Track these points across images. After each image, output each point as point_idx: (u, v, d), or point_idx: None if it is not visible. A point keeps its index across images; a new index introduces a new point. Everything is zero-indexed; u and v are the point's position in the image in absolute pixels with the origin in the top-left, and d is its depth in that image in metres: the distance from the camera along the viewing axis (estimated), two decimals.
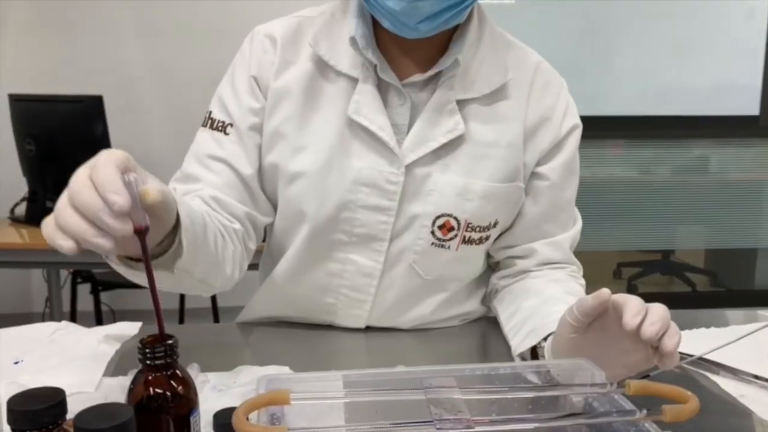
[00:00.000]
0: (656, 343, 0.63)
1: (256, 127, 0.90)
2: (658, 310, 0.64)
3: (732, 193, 3.51)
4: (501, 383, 0.64)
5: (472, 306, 1.01)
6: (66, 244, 0.55)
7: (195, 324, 2.91)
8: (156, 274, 0.66)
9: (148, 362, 0.54)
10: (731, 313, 1.13)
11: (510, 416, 0.55)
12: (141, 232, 0.56)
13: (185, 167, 0.92)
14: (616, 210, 3.36)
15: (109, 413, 0.43)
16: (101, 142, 2.28)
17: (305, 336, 0.95)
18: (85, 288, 2.92)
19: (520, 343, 0.83)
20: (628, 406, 0.57)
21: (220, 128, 0.90)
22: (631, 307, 0.63)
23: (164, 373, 0.55)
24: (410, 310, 0.95)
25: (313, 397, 0.58)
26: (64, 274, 2.83)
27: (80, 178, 0.55)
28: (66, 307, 2.81)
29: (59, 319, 2.76)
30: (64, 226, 0.55)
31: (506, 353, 0.87)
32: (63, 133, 2.32)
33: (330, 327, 0.97)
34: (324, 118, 0.88)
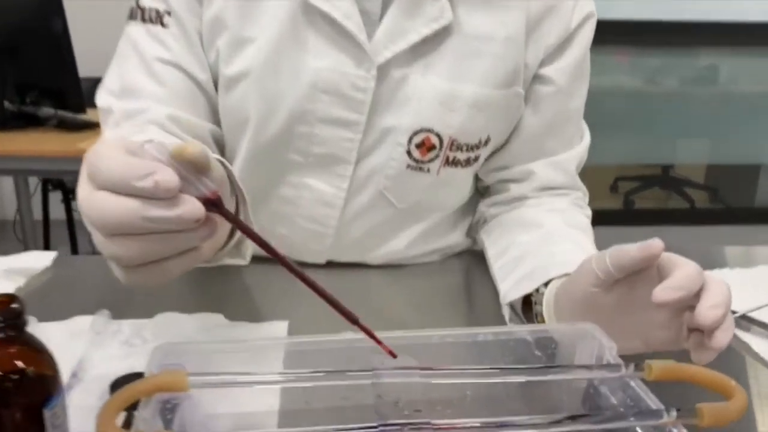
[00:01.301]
0: (708, 330, 0.47)
1: (199, 13, 0.70)
2: (722, 290, 0.48)
3: (740, 106, 3.34)
4: (480, 356, 0.49)
5: (455, 239, 0.85)
6: (134, 279, 0.45)
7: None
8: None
9: None
10: (727, 234, 0.96)
11: (485, 420, 0.39)
12: (212, 202, 0.41)
13: (122, 76, 0.71)
14: (617, 122, 3.15)
15: None
16: (61, 40, 2.12)
17: (252, 272, 0.79)
18: (56, 196, 2.77)
19: (511, 288, 0.67)
20: (650, 400, 0.42)
21: (153, 19, 0.70)
22: (682, 276, 0.48)
23: (5, 350, 0.39)
24: (381, 245, 0.80)
25: (221, 382, 0.42)
26: (35, 181, 2.70)
27: (96, 199, 0.40)
28: (37, 215, 2.67)
29: (32, 228, 2.64)
30: (104, 213, 0.40)
31: (494, 296, 0.72)
32: (18, 29, 2.16)
33: None
34: (273, 3, 0.69)
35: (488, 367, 0.44)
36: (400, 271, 0.82)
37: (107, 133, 0.69)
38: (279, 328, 0.65)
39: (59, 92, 2.17)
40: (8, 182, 2.92)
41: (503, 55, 0.71)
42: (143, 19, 0.71)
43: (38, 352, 0.41)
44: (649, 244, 0.50)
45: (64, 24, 2.11)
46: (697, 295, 0.48)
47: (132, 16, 0.72)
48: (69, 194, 2.73)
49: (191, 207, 0.39)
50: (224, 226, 0.52)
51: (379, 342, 0.41)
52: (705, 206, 3.74)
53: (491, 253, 0.77)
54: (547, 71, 0.74)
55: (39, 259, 0.77)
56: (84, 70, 2.20)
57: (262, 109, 0.70)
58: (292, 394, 0.50)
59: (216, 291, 0.74)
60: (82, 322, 0.64)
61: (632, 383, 0.44)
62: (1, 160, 2.00)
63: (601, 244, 0.83)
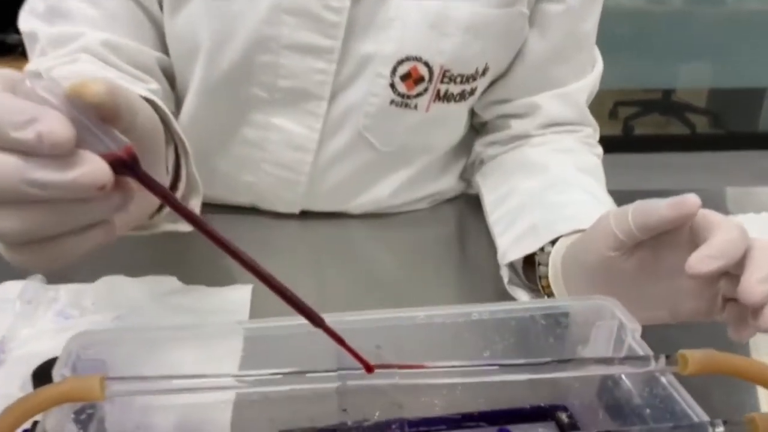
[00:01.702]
0: (756, 307, 0.38)
1: None
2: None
3: (747, 26, 3.20)
4: (471, 345, 0.40)
5: (447, 183, 0.75)
6: (23, 258, 0.32)
7: None
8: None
9: None
10: (729, 160, 0.87)
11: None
12: (124, 162, 0.30)
13: None
14: (617, 44, 3.00)
15: None
16: None
17: (215, 222, 0.69)
18: None
19: (510, 246, 0.58)
20: (686, 402, 0.34)
21: None
22: (724, 240, 0.39)
23: None
24: (360, 193, 0.70)
25: (151, 390, 0.33)
26: None
27: None
28: None
29: None
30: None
31: (490, 248, 0.63)
32: None
33: (253, 211, 0.71)
34: None
35: (485, 363, 0.35)
36: (384, 221, 0.72)
37: (32, 65, 0.58)
38: (242, 293, 0.56)
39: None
40: None
41: None
42: None
43: None
44: (683, 200, 0.41)
45: None
46: (740, 263, 0.39)
47: None
48: None
49: (92, 169, 0.28)
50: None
51: (351, 351, 0.32)
52: (706, 131, 3.67)
53: (488, 201, 0.68)
54: None
55: None
56: None
57: (214, 35, 0.58)
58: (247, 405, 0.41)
59: (169, 249, 0.64)
60: (10, 289, 0.55)
61: (664, 380, 0.36)
62: None
63: None
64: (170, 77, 0.64)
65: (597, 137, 0.73)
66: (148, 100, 0.42)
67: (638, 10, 3.13)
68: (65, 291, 0.55)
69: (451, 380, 0.36)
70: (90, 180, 0.28)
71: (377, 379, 0.34)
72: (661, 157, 3.31)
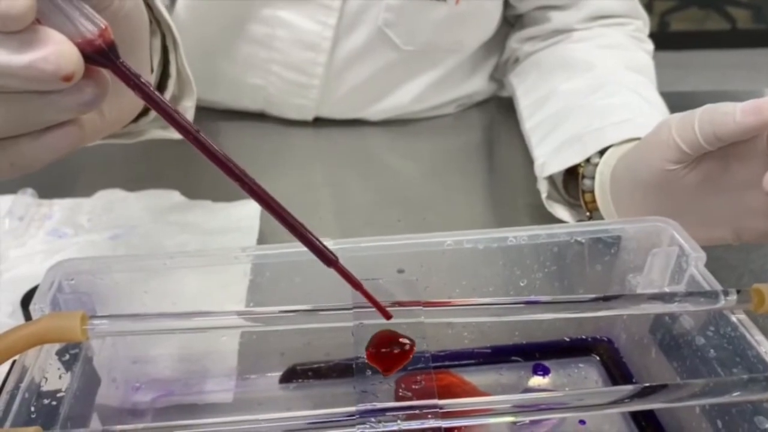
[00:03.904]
0: None
1: None
2: None
3: None
4: (506, 272, 0.35)
5: (476, 86, 0.68)
6: None
7: None
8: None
9: None
10: None
11: (510, 404, 0.26)
12: (98, 48, 0.23)
13: None
14: None
15: None
16: None
17: (222, 131, 0.64)
18: None
19: (551, 155, 0.51)
20: (764, 347, 0.29)
21: None
22: None
23: None
24: (381, 98, 0.64)
25: (140, 330, 0.29)
26: None
27: None
28: None
29: None
30: None
31: (525, 157, 0.57)
32: None
33: (263, 117, 0.65)
34: None
35: (517, 301, 0.30)
36: (406, 128, 0.66)
37: None
38: (250, 210, 0.51)
39: None
40: None
41: None
42: None
43: None
44: (761, 105, 0.34)
45: None
46: None
47: None
48: None
49: (56, 52, 0.21)
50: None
51: (368, 296, 0.27)
52: (748, 27, 3.46)
53: (524, 104, 0.61)
54: None
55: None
56: None
57: None
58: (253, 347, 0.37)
59: (171, 159, 0.59)
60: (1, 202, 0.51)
61: (734, 318, 0.31)
62: None
63: None
64: None
65: (647, 31, 0.65)
66: None
67: None
68: (59, 206, 0.51)
69: (482, 319, 0.31)
70: (53, 66, 0.22)
71: (398, 319, 0.30)
72: (699, 54, 3.16)
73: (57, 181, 0.54)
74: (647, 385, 0.27)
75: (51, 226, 0.49)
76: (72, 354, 0.31)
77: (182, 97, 0.43)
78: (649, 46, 0.63)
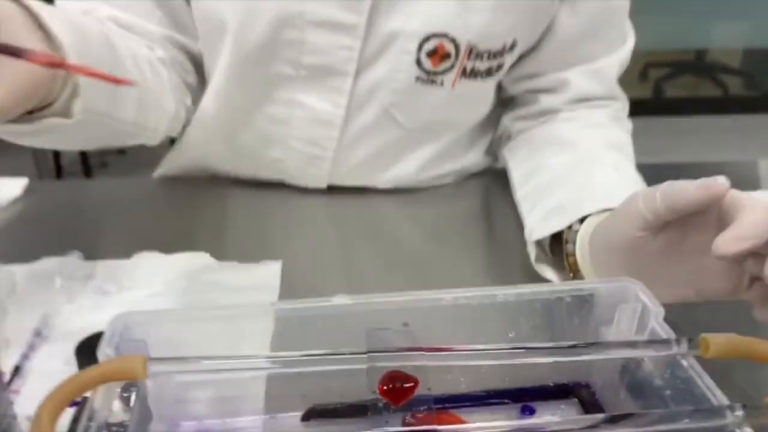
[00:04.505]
0: None
1: None
2: None
3: None
4: (496, 326, 0.41)
5: (473, 159, 0.75)
6: None
7: (87, 182, 2.63)
8: (61, 125, 0.48)
9: None
10: (763, 123, 0.85)
11: (506, 425, 0.32)
12: None
13: None
14: (648, 3, 2.98)
15: None
16: None
17: (244, 198, 0.71)
18: None
19: (539, 223, 0.58)
20: (707, 387, 0.34)
21: None
22: (751, 221, 0.39)
23: None
24: (386, 168, 0.70)
25: (188, 369, 0.35)
26: None
27: None
28: None
29: None
30: None
31: (516, 222, 0.64)
32: None
33: (280, 186, 0.72)
34: None
35: (511, 347, 0.36)
36: (410, 196, 0.73)
37: None
38: (272, 270, 0.57)
39: None
40: None
41: None
42: None
43: None
44: (712, 182, 0.41)
45: None
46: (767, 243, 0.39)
47: None
48: None
49: None
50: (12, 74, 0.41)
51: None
52: (740, 93, 3.58)
53: (516, 176, 0.68)
54: None
55: (7, 189, 0.69)
56: None
57: (241, 11, 0.59)
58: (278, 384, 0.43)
59: (200, 224, 0.66)
60: (50, 265, 0.57)
61: (685, 363, 0.36)
62: None
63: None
64: (183, 50, 0.66)
65: (627, 111, 0.72)
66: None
67: None
68: (101, 267, 0.57)
69: (477, 362, 0.37)
70: None
71: (405, 362, 0.36)
72: (692, 120, 3.25)
73: (99, 244, 0.60)
74: (616, 414, 0.33)
75: (95, 284, 0.55)
76: (132, 391, 0.36)
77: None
78: (628, 125, 0.71)
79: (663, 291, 0.41)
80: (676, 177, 0.44)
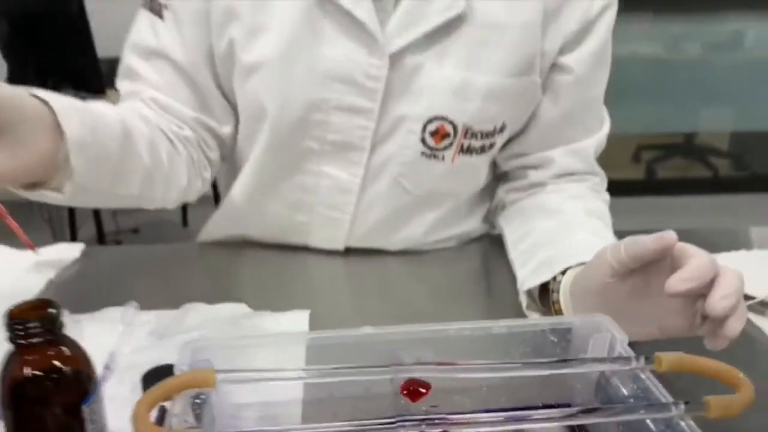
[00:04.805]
0: (720, 319, 0.48)
1: (196, 6, 0.72)
2: (733, 279, 0.48)
3: (764, 72, 3.29)
4: (495, 350, 0.50)
5: (472, 225, 0.86)
6: None
7: (140, 247, 2.80)
8: (52, 197, 0.60)
9: (20, 341, 0.40)
10: (751, 202, 0.94)
11: (499, 415, 0.41)
12: None
13: (125, 58, 0.76)
14: (638, 90, 3.14)
15: None
16: (78, 22, 2.16)
17: (273, 259, 0.81)
18: None
19: (529, 275, 0.68)
20: (660, 392, 0.43)
21: (156, 10, 0.72)
22: (694, 267, 0.48)
23: (44, 352, 0.41)
24: (397, 231, 0.81)
25: (247, 378, 0.44)
26: None
27: None
28: None
29: (56, 208, 2.63)
30: None
31: (511, 280, 0.73)
32: (36, 12, 2.20)
33: (304, 249, 0.82)
34: None
35: (506, 362, 0.45)
36: (418, 258, 0.83)
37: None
38: (301, 317, 0.67)
39: (79, 74, 2.20)
40: None
41: (518, 44, 0.70)
42: (150, 9, 0.74)
43: (75, 352, 0.43)
44: (663, 235, 0.51)
45: (81, 6, 2.14)
46: (710, 284, 0.49)
47: (143, 3, 0.75)
48: None
49: None
50: (23, 157, 0.53)
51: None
52: (729, 174, 3.70)
53: (510, 240, 0.78)
54: (566, 60, 0.74)
55: (68, 251, 0.79)
56: (103, 50, 2.22)
57: (279, 99, 0.71)
58: (316, 385, 0.52)
59: (239, 280, 0.76)
60: (112, 313, 0.67)
61: (642, 375, 0.45)
62: None
63: (623, 215, 0.82)
64: (208, 130, 0.78)
65: (605, 185, 0.83)
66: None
67: (657, 58, 3.23)
68: (155, 315, 0.67)
69: (477, 375, 0.46)
70: None
71: (421, 373, 0.45)
72: (684, 200, 3.37)
73: (152, 297, 0.69)
74: (589, 407, 0.41)
75: (151, 329, 0.65)
76: (200, 402, 0.45)
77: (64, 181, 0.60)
78: (606, 196, 0.81)
79: (632, 329, 0.49)
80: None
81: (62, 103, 0.57)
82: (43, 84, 2.18)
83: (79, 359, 0.43)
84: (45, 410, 0.42)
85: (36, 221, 2.63)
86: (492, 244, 0.86)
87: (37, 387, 0.41)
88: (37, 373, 0.41)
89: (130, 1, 2.84)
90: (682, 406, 0.41)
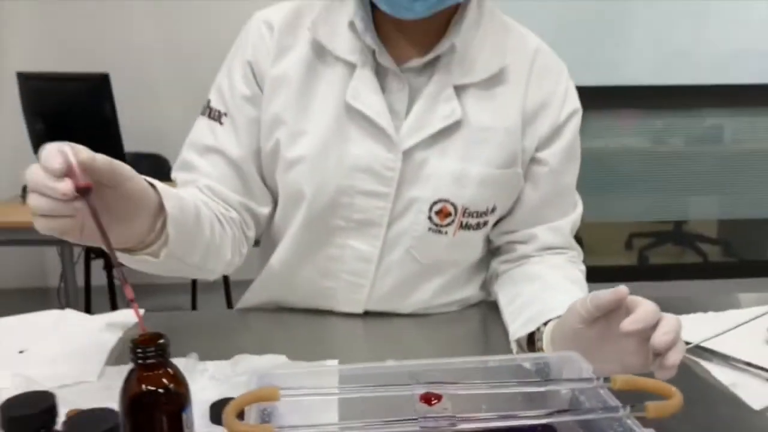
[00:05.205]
0: (662, 353, 0.62)
1: (251, 115, 0.91)
2: (672, 322, 0.63)
3: (745, 163, 3.46)
4: (490, 377, 0.64)
5: (472, 291, 1.01)
6: (38, 224, 0.62)
7: (194, 312, 2.92)
8: (149, 261, 0.75)
9: (140, 362, 0.55)
10: (740, 287, 1.09)
11: (494, 413, 0.55)
12: (82, 190, 0.60)
13: (184, 155, 0.94)
14: (629, 180, 3.33)
15: (96, 418, 0.44)
16: (109, 120, 2.30)
17: (304, 322, 0.96)
18: (99, 263, 2.96)
19: (518, 328, 0.83)
20: (613, 402, 0.57)
21: (215, 117, 0.91)
22: (642, 312, 0.63)
23: (156, 371, 0.56)
24: (409, 295, 0.96)
25: (303, 393, 0.58)
26: (78, 250, 2.84)
27: (33, 166, 0.61)
28: (80, 282, 2.84)
29: (74, 295, 2.72)
30: (32, 206, 0.61)
31: (504, 338, 0.87)
32: (71, 112, 2.35)
33: (329, 313, 0.97)
34: (322, 104, 0.88)
35: (498, 380, 0.60)
36: (426, 319, 0.97)
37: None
38: (331, 365, 0.81)
39: None
40: (52, 251, 3.06)
41: (504, 142, 0.89)
42: (209, 116, 0.92)
43: (176, 373, 0.57)
44: (618, 289, 0.66)
45: (113, 107, 2.32)
46: (655, 327, 0.64)
47: (203, 112, 0.93)
48: (110, 262, 2.90)
49: (64, 186, 0.58)
50: (134, 226, 0.70)
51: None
52: (718, 260, 3.81)
53: (503, 302, 0.93)
54: (542, 155, 0.92)
55: (132, 315, 0.94)
56: (128, 145, 2.40)
57: (314, 186, 0.88)
58: (349, 408, 0.66)
59: (276, 338, 0.91)
60: (176, 362, 0.80)
61: (602, 392, 0.60)
62: None
63: None
64: (249, 212, 0.93)
65: (581, 258, 0.99)
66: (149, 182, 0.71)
67: (644, 150, 3.37)
68: (212, 364, 0.81)
69: (477, 391, 0.60)
70: (62, 188, 0.58)
71: (433, 389, 0.59)
72: (676, 285, 3.47)
73: (208, 349, 0.84)
74: (560, 409, 0.56)
75: (209, 375, 0.78)
76: (265, 415, 0.59)
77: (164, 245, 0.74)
78: (582, 267, 0.96)
79: (598, 366, 0.62)
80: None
81: (161, 185, 0.73)
82: None
83: (179, 379, 0.57)
84: (155, 418, 0.56)
85: (52, 307, 2.77)
86: (489, 309, 1.01)
87: (150, 399, 0.55)
88: (150, 388, 0.55)
89: (153, 104, 3.13)
90: (629, 409, 0.55)
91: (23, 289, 3.28)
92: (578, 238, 1.00)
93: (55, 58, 2.99)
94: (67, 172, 0.58)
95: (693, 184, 3.46)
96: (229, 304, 2.38)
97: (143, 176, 0.71)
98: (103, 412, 0.47)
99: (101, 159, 0.62)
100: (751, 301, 1.02)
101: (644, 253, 3.68)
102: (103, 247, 0.62)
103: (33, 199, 0.60)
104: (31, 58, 2.99)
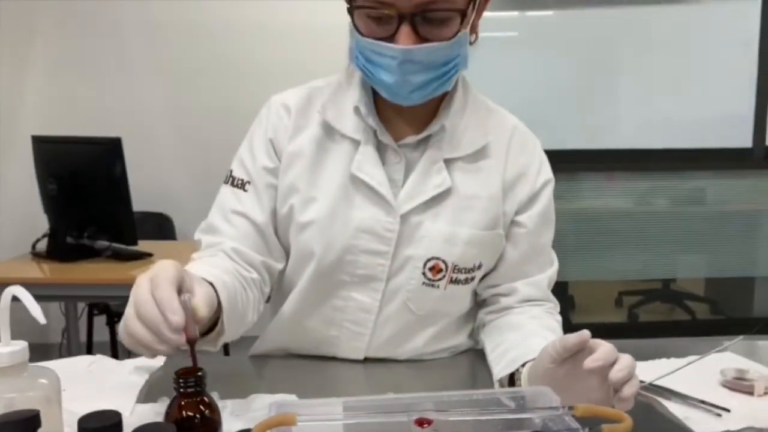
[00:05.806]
0: (618, 387, 0.74)
1: (271, 184, 1.04)
2: (627, 360, 0.75)
3: (729, 223, 3.58)
4: (474, 407, 0.76)
5: (461, 339, 1.13)
6: (127, 342, 0.73)
7: (211, 357, 2.99)
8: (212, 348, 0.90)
9: (181, 390, 0.66)
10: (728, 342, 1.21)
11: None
12: (192, 342, 0.72)
13: (210, 219, 1.05)
14: (617, 240, 3.46)
15: (158, 430, 0.55)
16: (120, 182, 2.38)
17: (311, 367, 1.07)
18: (101, 319, 3.02)
19: (501, 370, 0.94)
20: (575, 425, 0.69)
21: (239, 185, 1.04)
22: (602, 352, 0.75)
23: (195, 399, 0.67)
24: (405, 343, 1.07)
25: (316, 419, 0.70)
26: (81, 306, 2.90)
27: (143, 292, 0.71)
28: (83, 338, 2.87)
29: (77, 350, 2.74)
30: (133, 335, 0.71)
31: (489, 381, 0.98)
32: (83, 174, 2.44)
33: (333, 358, 1.08)
34: (331, 175, 1.02)
35: (481, 408, 0.71)
36: (420, 365, 1.08)
37: (194, 255, 1.02)
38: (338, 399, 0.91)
39: (115, 226, 2.43)
40: (54, 307, 3.10)
41: (487, 208, 1.02)
42: (232, 184, 1.04)
43: (211, 402, 0.68)
44: (581, 333, 0.78)
45: (123, 169, 2.38)
46: (613, 365, 0.75)
47: (226, 180, 1.06)
48: (114, 318, 2.94)
49: (179, 339, 0.70)
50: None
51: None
52: (706, 317, 3.90)
53: (488, 348, 1.04)
54: (520, 218, 1.05)
55: (155, 360, 1.04)
56: (137, 205, 2.48)
57: (323, 245, 1.01)
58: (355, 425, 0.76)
59: (285, 380, 1.01)
60: None
61: (567, 418, 0.71)
62: (55, 288, 2.25)
63: None
64: (268, 270, 1.05)
65: (557, 309, 1.10)
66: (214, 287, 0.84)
67: (629, 211, 3.50)
68: (230, 402, 0.91)
69: (463, 417, 0.71)
70: (180, 343, 0.69)
71: (425, 414, 0.70)
72: (665, 342, 3.52)
73: (226, 388, 0.94)
74: (533, 430, 0.67)
75: (229, 410, 0.89)
76: None
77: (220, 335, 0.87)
78: (558, 317, 1.08)
79: (568, 400, 0.75)
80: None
81: (219, 285, 0.85)
82: (81, 234, 2.42)
83: (214, 407, 0.69)
84: None
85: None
86: (476, 356, 1.12)
87: (189, 423, 0.66)
88: (190, 414, 0.66)
89: (159, 166, 3.25)
90: (587, 430, 0.66)
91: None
92: (569, 296, 1.12)
93: (66, 122, 3.14)
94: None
95: (680, 244, 3.57)
96: (226, 352, 2.44)
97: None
98: (162, 426, 0.57)
99: (209, 311, 0.75)
100: (708, 348, 1.13)
101: (634, 310, 3.80)
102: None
103: (139, 332, 0.70)
104: (44, 123, 3.13)
